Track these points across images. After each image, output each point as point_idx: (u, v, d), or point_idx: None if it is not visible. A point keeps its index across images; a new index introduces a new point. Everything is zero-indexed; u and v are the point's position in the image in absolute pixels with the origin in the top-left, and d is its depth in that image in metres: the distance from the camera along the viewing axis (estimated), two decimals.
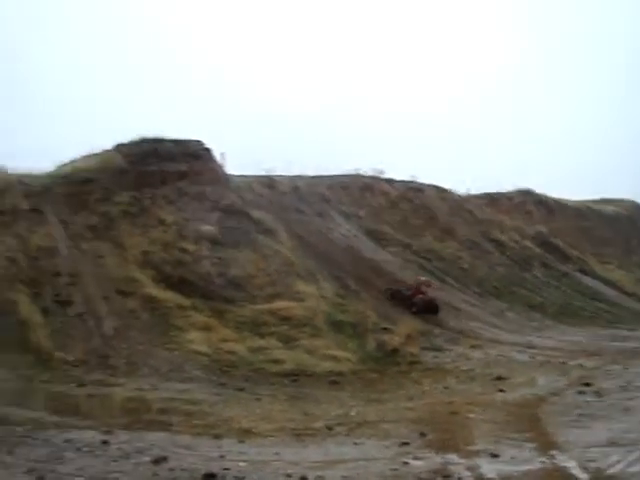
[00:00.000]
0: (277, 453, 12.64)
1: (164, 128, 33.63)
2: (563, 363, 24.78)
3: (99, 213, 28.24)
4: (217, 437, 13.82)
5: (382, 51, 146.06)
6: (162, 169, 31.49)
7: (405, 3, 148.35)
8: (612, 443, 13.03)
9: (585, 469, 11.28)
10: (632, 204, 68.37)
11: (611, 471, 11.22)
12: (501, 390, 19.78)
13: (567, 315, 39.95)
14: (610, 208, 65.32)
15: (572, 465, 11.54)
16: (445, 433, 14.49)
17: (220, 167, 34.60)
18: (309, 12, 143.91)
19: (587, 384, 20.01)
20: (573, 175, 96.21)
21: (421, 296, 33.59)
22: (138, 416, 15.37)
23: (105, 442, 12.64)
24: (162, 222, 29.22)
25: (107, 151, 31.71)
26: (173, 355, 21.95)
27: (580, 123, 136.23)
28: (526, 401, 18.30)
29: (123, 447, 12.40)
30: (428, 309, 33.19)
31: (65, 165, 31.04)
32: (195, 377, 20.60)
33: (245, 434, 14.24)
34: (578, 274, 50.47)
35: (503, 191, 57.30)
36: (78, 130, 71.57)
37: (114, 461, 11.55)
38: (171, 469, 11.15)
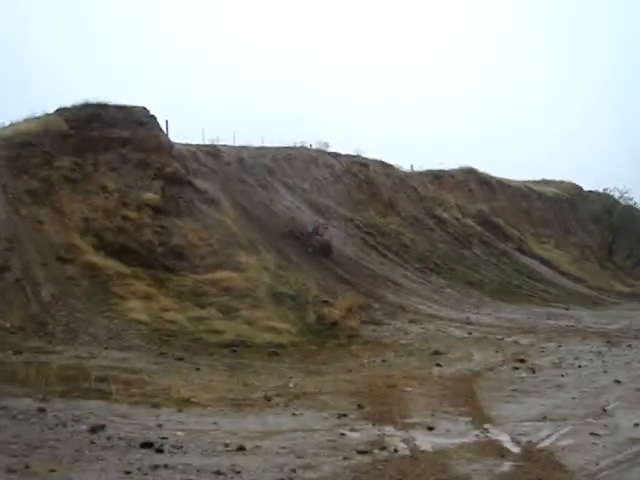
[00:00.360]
0: (215, 423, 12.68)
1: (108, 94, 33.19)
2: (499, 340, 25.26)
3: (39, 178, 27.71)
4: (155, 406, 13.79)
5: (341, 22, 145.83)
6: (105, 135, 31.01)
7: None
8: (544, 418, 13.38)
9: (517, 443, 11.57)
10: (572, 186, 69.67)
11: (542, 445, 11.52)
12: (438, 365, 20.07)
13: (504, 293, 40.70)
14: (550, 189, 66.42)
15: (505, 439, 11.82)
16: (382, 406, 14.66)
17: (164, 135, 34.22)
18: None
19: (521, 360, 20.51)
20: (516, 156, 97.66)
21: (318, 238, 34.67)
22: (76, 384, 15.17)
23: (42, 410, 12.49)
24: (104, 189, 28.83)
25: (49, 115, 31.15)
26: (112, 323, 21.75)
27: (525, 104, 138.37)
28: (462, 376, 18.62)
29: (60, 415, 12.28)
30: (322, 251, 34.63)
31: (5, 128, 30.44)
32: (134, 346, 20.46)
33: (184, 403, 14.23)
34: (517, 253, 51.37)
35: (446, 169, 57.74)
36: (20, 92, 70.22)
37: (50, 429, 11.43)
38: (108, 437, 11.09)
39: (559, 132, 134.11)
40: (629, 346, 23.89)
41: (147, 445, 10.71)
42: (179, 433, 11.68)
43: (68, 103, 31.80)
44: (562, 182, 69.98)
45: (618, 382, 17.19)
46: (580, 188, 70.82)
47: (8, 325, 19.95)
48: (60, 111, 31.35)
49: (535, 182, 67.08)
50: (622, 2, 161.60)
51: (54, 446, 10.52)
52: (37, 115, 30.90)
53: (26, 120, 30.59)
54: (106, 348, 19.66)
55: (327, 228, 36.59)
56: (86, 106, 31.74)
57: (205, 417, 13.20)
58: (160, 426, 12.10)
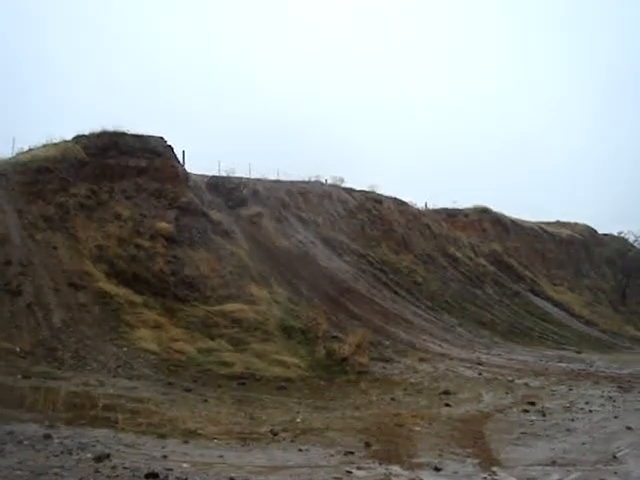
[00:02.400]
0: (221, 456, 12.58)
1: (126, 123, 33.47)
2: (509, 381, 25.04)
3: (55, 204, 27.89)
4: (161, 437, 13.72)
5: (354, 62, 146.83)
6: (121, 163, 31.26)
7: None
8: (553, 462, 13.18)
9: None
10: (586, 228, 69.47)
11: None
12: (447, 404, 19.92)
13: (516, 334, 40.44)
14: (564, 231, 66.21)
15: None
16: (390, 444, 14.52)
17: (180, 165, 34.45)
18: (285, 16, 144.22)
19: (532, 403, 20.29)
20: (530, 197, 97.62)
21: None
22: (83, 411, 15.18)
23: (47, 436, 12.47)
24: (118, 217, 28.98)
25: (67, 142, 31.38)
26: (122, 352, 21.76)
27: (538, 149, 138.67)
28: (471, 417, 18.43)
29: (65, 442, 12.24)
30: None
31: (23, 153, 30.64)
32: (143, 375, 20.44)
33: (190, 435, 14.16)
34: (529, 294, 51.12)
35: (460, 208, 57.78)
36: (38, 119, 70.87)
37: (55, 456, 11.38)
38: (113, 467, 11.02)
39: (574, 173, 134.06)
40: None
41: (152, 476, 10.62)
42: (184, 465, 11.59)
43: (86, 131, 32.06)
44: (576, 224, 69.84)
45: (630, 428, 16.95)
46: (594, 231, 70.63)
47: (18, 349, 19.99)
48: (78, 138, 31.60)
49: (549, 223, 66.98)
50: None
51: (59, 473, 10.45)
52: (55, 142, 31.11)
53: (44, 146, 30.83)
54: (114, 376, 19.65)
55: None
56: (103, 134, 32.01)
57: (211, 450, 13.11)
58: (165, 457, 12.02)
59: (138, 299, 25.41)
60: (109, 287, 25.18)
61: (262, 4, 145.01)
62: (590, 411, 19.49)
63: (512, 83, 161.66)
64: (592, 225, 71.05)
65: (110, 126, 32.43)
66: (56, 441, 12.26)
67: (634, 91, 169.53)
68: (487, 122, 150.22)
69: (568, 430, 16.72)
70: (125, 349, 22.02)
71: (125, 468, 11.00)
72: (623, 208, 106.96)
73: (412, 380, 24.50)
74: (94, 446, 12.17)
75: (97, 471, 10.73)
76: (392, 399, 20.87)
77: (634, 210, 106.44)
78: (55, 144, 31.02)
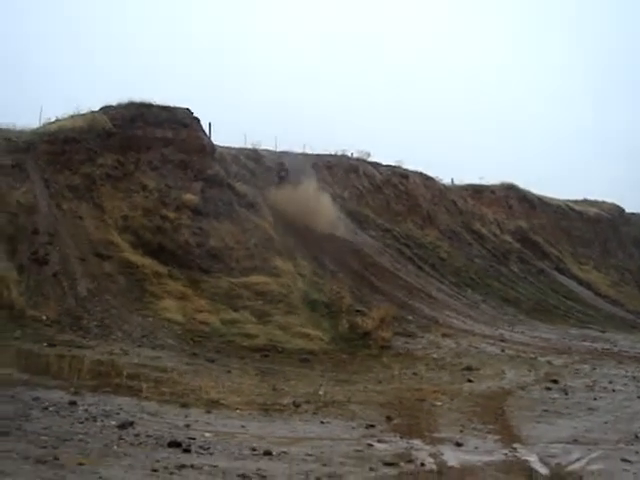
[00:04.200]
0: (243, 426, 12.68)
1: (153, 94, 33.44)
2: (532, 358, 24.97)
3: (82, 174, 27.99)
4: (184, 406, 13.84)
5: (378, 36, 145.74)
6: (148, 134, 31.22)
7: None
8: (574, 440, 13.19)
9: (546, 464, 11.39)
10: (614, 207, 68.71)
11: (571, 468, 11.34)
12: (469, 380, 19.93)
13: (540, 312, 40.22)
14: (592, 209, 65.57)
15: (533, 459, 11.65)
16: (411, 419, 14.57)
17: (206, 137, 34.38)
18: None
19: (554, 381, 20.24)
20: (558, 175, 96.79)
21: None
22: (107, 380, 15.30)
23: (73, 403, 12.63)
24: (144, 188, 29.06)
25: (94, 112, 31.37)
26: (146, 321, 21.93)
27: (569, 125, 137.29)
28: (493, 393, 18.44)
29: (90, 409, 12.40)
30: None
31: (51, 123, 30.70)
32: (167, 345, 20.60)
33: (213, 405, 14.27)
34: (554, 272, 50.80)
35: (487, 184, 57.34)
36: (66, 87, 71.07)
37: (80, 422, 11.53)
38: (136, 435, 11.15)
39: (602, 151, 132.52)
40: None
41: (174, 444, 10.73)
42: (207, 434, 11.70)
43: (113, 102, 32.05)
44: (604, 202, 69.04)
45: None
46: (622, 209, 69.87)
47: (44, 317, 20.19)
48: (105, 109, 31.59)
49: (576, 202, 66.27)
50: None
51: (83, 440, 10.59)
52: (82, 112, 31.15)
53: (71, 117, 30.85)
54: (139, 346, 19.82)
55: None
56: (130, 105, 31.99)
57: (233, 420, 13.22)
58: (188, 426, 12.14)
59: (163, 270, 25.54)
60: (134, 257, 25.32)
61: None
62: (613, 390, 19.43)
63: (542, 51, 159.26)
64: (620, 204, 70.42)
65: (137, 97, 32.41)
66: (81, 408, 12.43)
67: None
68: (514, 96, 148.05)
69: (590, 409, 16.68)
70: (150, 319, 22.19)
71: (148, 436, 11.13)
72: None
73: (435, 355, 24.49)
74: (118, 414, 12.33)
75: (121, 438, 10.87)
76: (414, 374, 20.89)
77: None
78: (82, 115, 31.02)
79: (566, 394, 18.47)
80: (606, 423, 15.20)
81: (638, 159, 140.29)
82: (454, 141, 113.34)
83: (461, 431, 13.57)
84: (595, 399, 17.96)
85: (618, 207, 69.29)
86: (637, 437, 13.79)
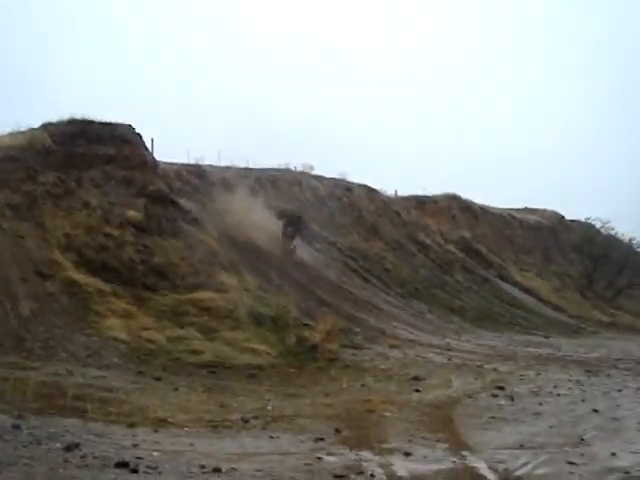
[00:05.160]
0: (192, 444, 12.60)
1: (94, 110, 33.12)
2: (479, 366, 25.24)
3: (22, 192, 27.52)
4: (132, 426, 13.69)
5: (324, 50, 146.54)
6: (90, 151, 30.88)
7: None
8: (521, 446, 13.39)
9: (494, 470, 11.57)
10: (554, 214, 70.15)
11: (519, 472, 11.55)
12: (417, 390, 20.04)
13: (485, 320, 40.77)
14: (532, 217, 66.83)
15: (482, 466, 11.81)
16: (360, 430, 14.62)
17: (149, 153, 34.19)
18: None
19: (500, 388, 20.51)
20: (499, 183, 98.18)
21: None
22: (52, 401, 15.05)
23: (16, 427, 12.37)
24: (87, 205, 28.71)
25: (34, 129, 30.96)
26: (91, 341, 21.61)
27: (508, 135, 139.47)
28: (441, 402, 18.58)
29: (34, 432, 12.17)
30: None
31: None
32: (113, 364, 20.33)
33: (160, 424, 14.15)
34: (498, 280, 51.59)
35: (430, 195, 58.01)
36: (4, 107, 70.05)
37: (24, 446, 11.31)
38: (83, 456, 11.00)
39: (545, 159, 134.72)
40: (608, 375, 24.01)
41: (122, 465, 10.62)
42: (155, 453, 11.60)
43: (54, 118, 31.67)
44: (545, 210, 70.39)
45: (596, 411, 17.25)
46: (562, 217, 71.28)
47: None
48: (45, 126, 31.17)
49: (518, 210, 67.46)
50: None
51: (28, 464, 10.41)
52: (21, 129, 30.73)
53: (10, 134, 30.40)
54: (84, 366, 19.50)
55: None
56: (71, 122, 31.62)
57: (181, 438, 13.13)
58: (136, 446, 12.02)
59: (107, 288, 25.21)
60: (78, 276, 24.95)
61: None
62: (558, 395, 19.77)
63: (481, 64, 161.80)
64: (561, 211, 71.77)
65: (78, 114, 32.07)
66: (25, 431, 12.19)
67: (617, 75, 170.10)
68: (455, 108, 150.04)
69: (536, 414, 16.97)
70: (94, 338, 21.86)
71: (95, 457, 10.99)
72: (590, 194, 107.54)
73: (382, 366, 24.59)
74: (63, 436, 12.13)
75: (66, 460, 10.71)
76: (362, 385, 20.93)
77: (601, 196, 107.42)
78: (22, 132, 30.60)
79: (512, 400, 18.73)
80: (552, 427, 15.46)
81: (575, 166, 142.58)
82: (398, 153, 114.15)
83: (410, 441, 13.66)
84: (540, 404, 18.25)
85: (558, 215, 70.68)
86: (582, 440, 14.07)
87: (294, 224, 37.26)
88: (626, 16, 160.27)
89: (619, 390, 20.77)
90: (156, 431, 13.43)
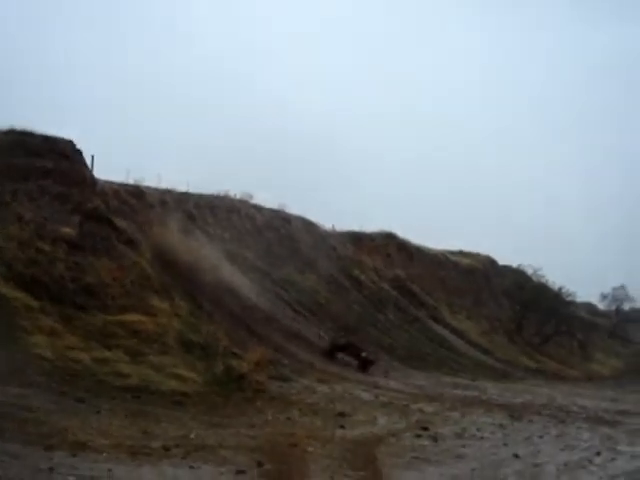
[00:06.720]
0: (110, 470, 12.38)
1: (36, 123, 32.53)
2: (405, 405, 25.39)
3: None
4: (49, 448, 13.38)
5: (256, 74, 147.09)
6: (28, 164, 30.38)
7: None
8: None
9: None
10: (487, 259, 71.36)
11: None
12: (342, 426, 20.05)
13: (414, 359, 41.09)
14: (466, 260, 67.83)
15: None
16: (282, 465, 14.58)
17: (88, 170, 33.78)
18: None
19: (425, 428, 20.64)
20: (436, 225, 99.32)
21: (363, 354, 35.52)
22: None
23: None
24: (20, 219, 28.13)
25: None
26: (15, 357, 21.03)
27: (447, 178, 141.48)
28: (365, 439, 18.63)
29: None
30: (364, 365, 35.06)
31: None
32: (35, 383, 19.82)
33: (79, 447, 13.86)
34: (429, 320, 52.14)
35: (367, 232, 58.43)
36: None
37: None
38: None
39: (479, 205, 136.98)
40: (530, 421, 24.30)
41: None
42: (70, 478, 11.38)
43: None
44: (478, 254, 71.59)
45: (517, 456, 17.44)
46: (495, 262, 72.54)
47: None
48: None
49: (452, 252, 68.44)
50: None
51: None
52: None
53: None
54: (5, 383, 18.94)
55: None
56: (11, 132, 31.14)
57: (99, 463, 12.87)
58: (52, 469, 11.77)
59: (35, 304, 24.66)
60: (5, 290, 24.36)
61: None
62: (481, 438, 19.97)
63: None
64: (494, 256, 72.99)
65: (18, 125, 31.57)
66: None
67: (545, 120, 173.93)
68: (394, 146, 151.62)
69: (458, 456, 17.10)
70: (18, 355, 21.31)
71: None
72: (523, 240, 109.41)
73: (309, 400, 24.56)
74: None
75: None
76: (288, 419, 20.88)
77: (533, 243, 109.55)
78: None
79: (436, 441, 18.85)
80: (473, 470, 15.61)
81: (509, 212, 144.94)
82: (336, 187, 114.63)
83: (332, 477, 13.67)
84: (464, 446, 18.40)
85: (491, 259, 71.90)
86: None
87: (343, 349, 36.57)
88: None
89: (540, 436, 21.03)
90: (74, 455, 13.14)
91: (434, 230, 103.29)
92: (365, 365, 34.72)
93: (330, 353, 35.17)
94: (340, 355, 35.38)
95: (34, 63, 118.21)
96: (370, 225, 59.07)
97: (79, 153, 33.09)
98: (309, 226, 51.80)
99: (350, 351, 35.51)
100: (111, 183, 36.83)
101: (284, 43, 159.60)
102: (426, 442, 18.71)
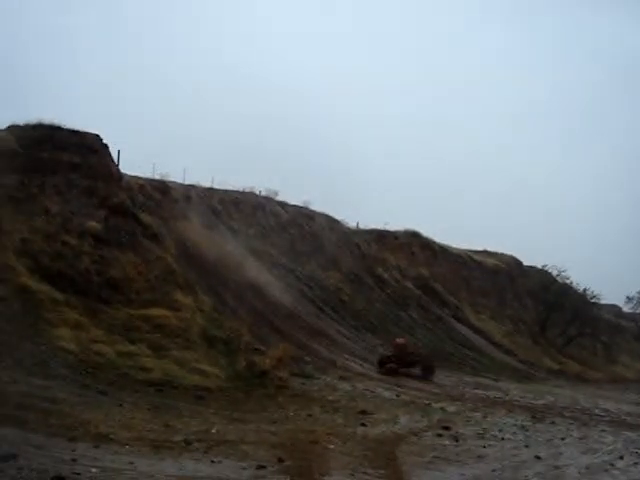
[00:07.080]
0: (132, 462, 12.45)
1: (63, 117, 32.68)
2: (426, 405, 25.35)
3: None
4: (72, 439, 13.50)
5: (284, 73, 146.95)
6: (55, 158, 30.52)
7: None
8: None
9: None
10: (512, 259, 70.79)
11: None
12: (363, 424, 20.03)
13: (437, 358, 40.82)
14: (491, 260, 67.36)
15: None
16: (303, 461, 14.55)
17: (115, 165, 33.94)
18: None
19: (446, 428, 20.58)
20: (459, 224, 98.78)
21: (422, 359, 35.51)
22: None
23: None
24: (47, 212, 28.32)
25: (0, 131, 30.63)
26: (39, 349, 21.24)
27: (471, 177, 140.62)
28: (386, 438, 18.59)
29: None
30: (427, 371, 34.91)
31: None
32: (59, 375, 20.01)
33: (101, 439, 13.97)
34: (452, 320, 51.88)
35: (391, 230, 58.26)
36: None
37: None
38: (19, 468, 10.81)
39: (507, 202, 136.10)
40: (552, 423, 24.19)
41: (58, 479, 10.45)
42: (93, 470, 11.44)
43: (21, 121, 31.26)
44: (503, 255, 71.09)
45: (538, 458, 17.36)
46: (520, 262, 72.00)
47: None
48: (12, 128, 30.83)
49: (476, 252, 68.02)
50: None
51: None
52: None
53: None
54: (30, 374, 19.16)
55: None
56: (39, 126, 31.26)
57: (122, 456, 12.96)
58: (75, 460, 11.85)
59: (60, 297, 24.84)
60: (31, 282, 24.55)
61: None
62: (502, 439, 19.87)
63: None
64: (518, 256, 72.53)
65: (47, 119, 31.73)
66: None
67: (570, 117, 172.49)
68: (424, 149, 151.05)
69: (479, 456, 17.03)
70: (43, 347, 21.50)
71: (32, 470, 10.82)
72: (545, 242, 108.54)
73: (330, 398, 24.58)
74: (0, 445, 11.92)
75: (2, 471, 10.52)
76: (309, 415, 20.91)
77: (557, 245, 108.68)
78: None
79: (457, 441, 18.79)
80: (494, 471, 15.53)
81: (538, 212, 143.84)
82: (362, 184, 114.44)
83: (352, 475, 13.63)
84: (485, 447, 18.33)
85: (516, 260, 71.37)
86: None
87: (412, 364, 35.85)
88: None
89: (562, 438, 20.93)
90: (97, 447, 13.25)
91: (459, 229, 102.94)
92: (429, 372, 34.61)
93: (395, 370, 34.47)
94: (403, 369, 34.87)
95: (65, 63, 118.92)
96: (394, 224, 58.93)
97: (106, 147, 33.21)
98: (333, 223, 51.77)
99: (419, 362, 35.22)
100: (137, 178, 36.99)
101: (313, 43, 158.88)
102: (447, 442, 18.66)
